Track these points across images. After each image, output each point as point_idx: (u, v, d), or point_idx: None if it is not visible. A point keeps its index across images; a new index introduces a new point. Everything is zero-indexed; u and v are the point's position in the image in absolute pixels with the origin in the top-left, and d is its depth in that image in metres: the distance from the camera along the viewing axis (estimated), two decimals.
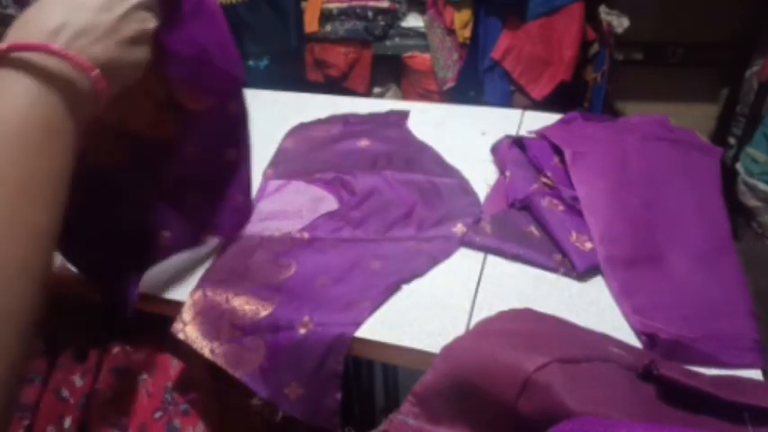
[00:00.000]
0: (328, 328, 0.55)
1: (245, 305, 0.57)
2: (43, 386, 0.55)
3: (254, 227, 0.68)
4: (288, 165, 0.81)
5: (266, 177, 0.78)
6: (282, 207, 0.72)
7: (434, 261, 0.62)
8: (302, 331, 0.55)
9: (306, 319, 0.55)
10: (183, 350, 0.58)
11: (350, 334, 0.54)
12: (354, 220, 0.68)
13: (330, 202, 0.72)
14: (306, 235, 0.66)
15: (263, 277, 0.61)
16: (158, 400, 0.59)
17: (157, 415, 0.59)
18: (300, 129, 0.90)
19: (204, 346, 0.57)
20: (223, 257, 0.64)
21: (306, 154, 0.83)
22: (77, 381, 0.57)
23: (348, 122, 0.90)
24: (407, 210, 0.68)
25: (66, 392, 0.55)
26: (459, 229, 0.65)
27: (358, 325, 0.55)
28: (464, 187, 0.73)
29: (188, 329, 0.57)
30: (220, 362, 0.56)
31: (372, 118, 0.92)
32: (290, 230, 0.67)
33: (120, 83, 0.40)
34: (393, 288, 0.58)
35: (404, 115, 0.92)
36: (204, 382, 0.62)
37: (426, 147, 0.83)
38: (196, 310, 0.58)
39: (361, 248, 0.64)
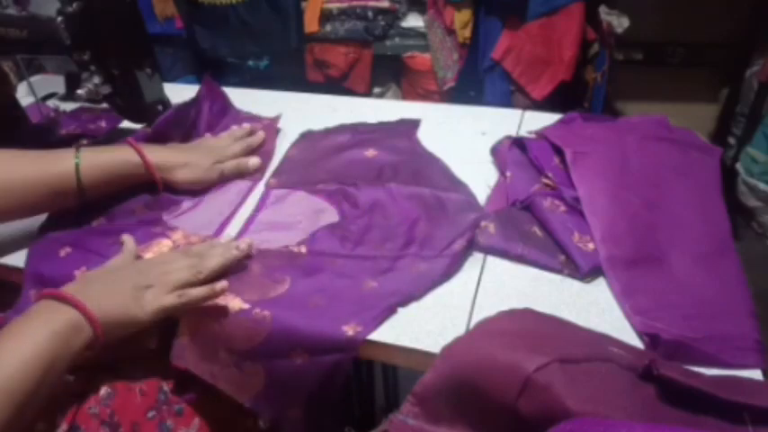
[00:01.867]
0: (323, 358, 0.54)
1: (238, 328, 0.56)
2: None
3: (251, 238, 0.67)
4: (292, 174, 0.79)
5: (269, 186, 0.77)
6: (282, 218, 0.71)
7: (433, 284, 0.60)
8: (298, 361, 0.54)
9: (299, 347, 0.54)
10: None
11: (345, 364, 0.54)
12: (354, 235, 0.66)
13: (331, 215, 0.70)
14: (303, 249, 0.65)
15: (255, 293, 0.59)
16: (152, 400, 0.59)
17: (150, 414, 0.59)
18: (308, 137, 0.89)
19: (205, 371, 0.57)
20: None
21: (311, 163, 0.82)
22: (70, 378, 0.57)
23: (357, 131, 0.88)
24: (409, 226, 0.66)
25: (58, 391, 0.55)
26: (460, 246, 0.63)
27: (353, 352, 0.54)
28: (471, 203, 0.70)
29: (187, 354, 0.57)
30: (222, 387, 0.56)
31: (382, 127, 0.90)
32: (287, 243, 0.66)
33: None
34: (388, 312, 0.57)
35: (414, 125, 0.90)
36: (200, 384, 0.62)
37: (435, 159, 0.81)
38: (191, 332, 0.57)
39: (358, 266, 0.62)
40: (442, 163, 0.79)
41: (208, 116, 0.89)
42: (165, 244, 0.66)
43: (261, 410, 0.56)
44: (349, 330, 0.54)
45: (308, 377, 0.54)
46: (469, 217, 0.66)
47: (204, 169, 0.75)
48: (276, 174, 0.80)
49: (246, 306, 0.57)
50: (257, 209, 0.73)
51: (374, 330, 0.55)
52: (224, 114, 0.93)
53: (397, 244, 0.64)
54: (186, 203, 0.74)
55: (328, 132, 0.89)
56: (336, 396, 0.55)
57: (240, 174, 0.79)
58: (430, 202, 0.70)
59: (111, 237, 0.67)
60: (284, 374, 0.55)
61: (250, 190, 0.77)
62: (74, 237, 0.68)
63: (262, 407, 0.56)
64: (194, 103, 0.87)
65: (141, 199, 0.74)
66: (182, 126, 0.85)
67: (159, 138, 0.80)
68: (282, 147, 0.87)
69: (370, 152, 0.82)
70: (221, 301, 0.58)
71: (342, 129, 0.90)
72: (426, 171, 0.77)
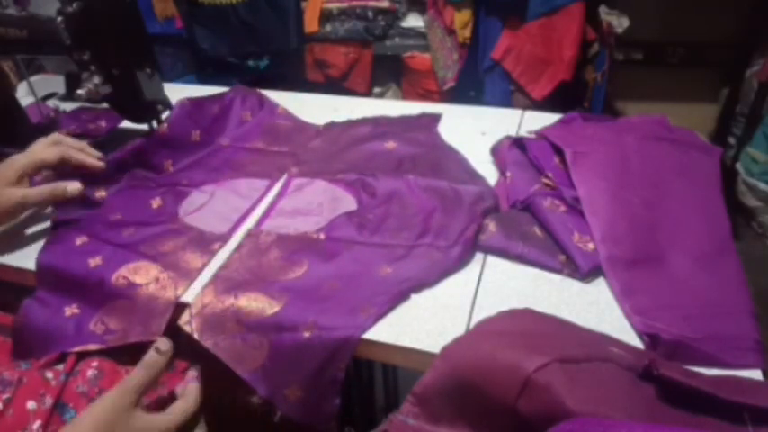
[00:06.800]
0: (332, 333, 0.54)
1: (253, 302, 0.58)
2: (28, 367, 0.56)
3: (272, 224, 0.70)
4: (313, 163, 0.82)
5: (290, 175, 0.79)
6: (302, 205, 0.73)
7: (446, 272, 0.61)
8: (306, 334, 0.55)
9: (310, 321, 0.55)
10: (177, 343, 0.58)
11: (353, 341, 0.54)
12: (371, 224, 0.67)
13: (349, 203, 0.72)
14: (321, 236, 0.66)
15: (274, 275, 0.61)
16: None
17: None
18: (330, 128, 0.91)
19: (208, 339, 0.57)
20: (239, 253, 0.65)
21: (332, 154, 0.84)
22: (59, 366, 0.57)
23: (378, 124, 0.90)
24: (425, 217, 0.68)
25: (49, 374, 0.56)
26: (472, 231, 0.64)
27: (362, 332, 0.54)
28: (487, 195, 0.71)
29: (194, 322, 0.58)
30: (223, 356, 0.56)
31: (402, 120, 0.92)
32: (306, 230, 0.68)
33: None
34: (401, 297, 0.58)
35: (435, 118, 0.92)
36: (192, 362, 0.61)
37: (454, 152, 0.82)
38: (204, 303, 0.58)
39: (374, 253, 0.63)
40: (460, 156, 0.81)
41: (240, 110, 0.92)
42: (153, 267, 0.64)
43: (258, 386, 0.55)
44: (362, 312, 0.55)
45: (313, 353, 0.54)
46: (484, 206, 0.68)
47: None
48: (297, 163, 0.82)
49: (263, 285, 0.59)
50: (278, 196, 0.75)
51: (387, 313, 0.56)
52: (260, 107, 0.95)
53: (413, 233, 0.65)
54: (201, 197, 0.75)
55: (350, 124, 0.92)
56: (337, 381, 0.54)
57: (52, 200, 0.66)
58: (447, 195, 0.71)
59: (128, 227, 0.69)
60: (289, 349, 0.55)
61: (268, 188, 0.77)
62: (90, 228, 0.69)
63: (259, 382, 0.55)
64: (216, 98, 0.89)
65: (157, 192, 0.75)
66: (200, 121, 0.86)
67: (178, 132, 0.82)
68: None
69: (390, 144, 0.84)
70: (240, 281, 0.59)
71: (363, 121, 0.92)
72: (445, 164, 0.79)
